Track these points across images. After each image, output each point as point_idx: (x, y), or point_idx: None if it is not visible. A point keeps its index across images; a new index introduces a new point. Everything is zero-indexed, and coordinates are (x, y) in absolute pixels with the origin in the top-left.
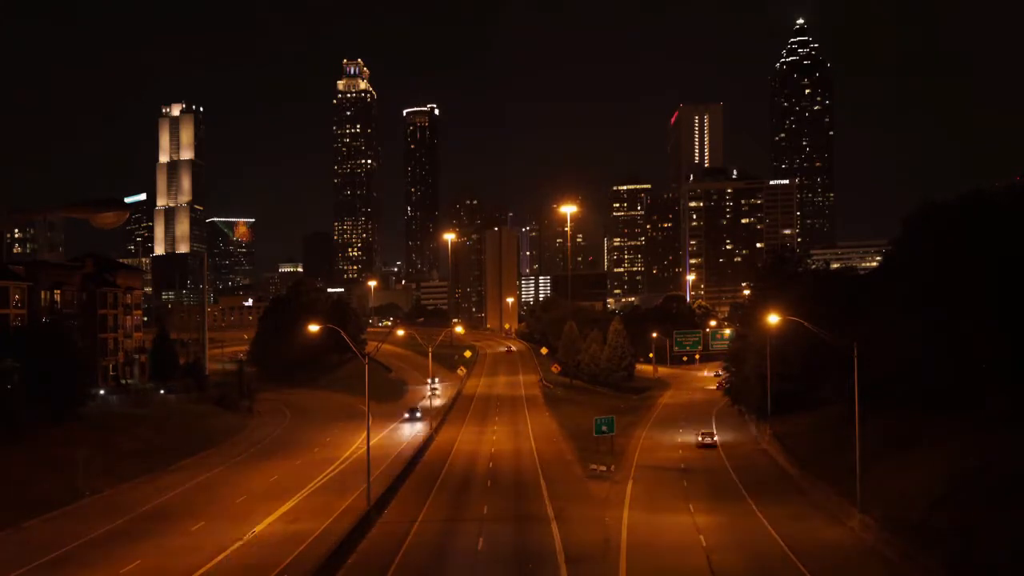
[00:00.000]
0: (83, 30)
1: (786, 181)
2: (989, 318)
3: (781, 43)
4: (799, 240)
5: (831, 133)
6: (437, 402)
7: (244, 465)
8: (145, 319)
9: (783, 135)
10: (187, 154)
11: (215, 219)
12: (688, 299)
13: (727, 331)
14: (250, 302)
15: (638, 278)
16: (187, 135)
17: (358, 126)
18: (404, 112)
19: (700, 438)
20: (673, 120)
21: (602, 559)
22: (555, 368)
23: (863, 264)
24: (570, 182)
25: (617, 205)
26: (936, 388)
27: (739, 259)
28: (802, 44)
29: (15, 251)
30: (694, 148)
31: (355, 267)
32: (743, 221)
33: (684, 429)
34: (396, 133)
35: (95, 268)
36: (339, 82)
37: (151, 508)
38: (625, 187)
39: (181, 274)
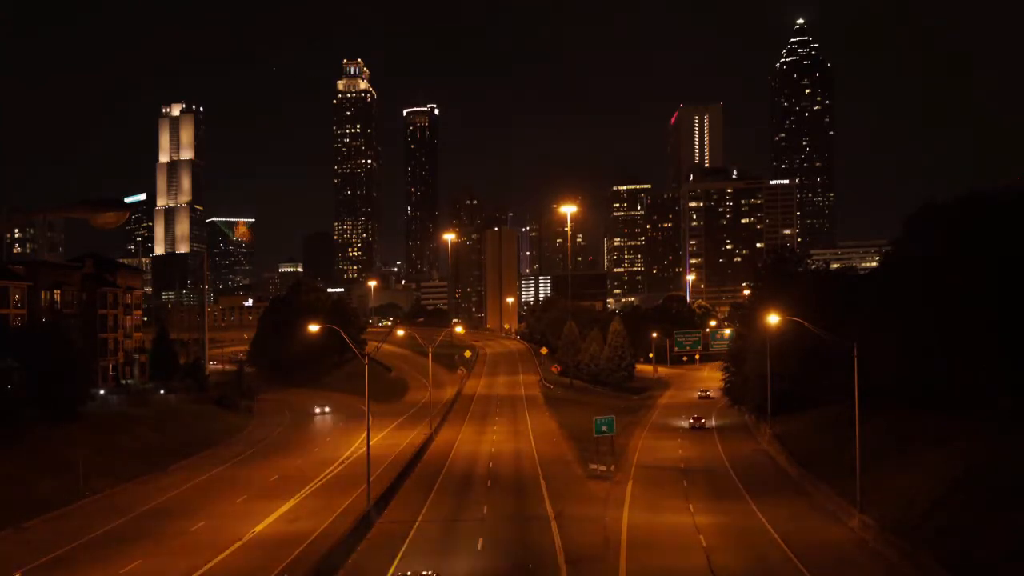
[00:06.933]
0: (83, 30)
1: (786, 181)
2: (989, 318)
3: (781, 43)
4: (799, 240)
5: (831, 133)
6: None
7: (244, 465)
8: (145, 319)
9: (783, 135)
10: (187, 154)
11: (215, 219)
12: (688, 299)
13: (727, 331)
14: (250, 302)
15: (638, 278)
16: (187, 135)
17: (358, 126)
18: (404, 112)
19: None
20: (673, 120)
21: (602, 559)
22: (555, 368)
23: (863, 264)
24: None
25: (617, 205)
26: (936, 388)
27: (739, 259)
28: (802, 44)
29: (15, 251)
30: (694, 148)
31: (355, 267)
32: (743, 221)
33: (685, 432)
34: (396, 133)
35: (95, 268)
36: (339, 82)
37: (151, 508)
38: (625, 187)
39: (181, 274)
